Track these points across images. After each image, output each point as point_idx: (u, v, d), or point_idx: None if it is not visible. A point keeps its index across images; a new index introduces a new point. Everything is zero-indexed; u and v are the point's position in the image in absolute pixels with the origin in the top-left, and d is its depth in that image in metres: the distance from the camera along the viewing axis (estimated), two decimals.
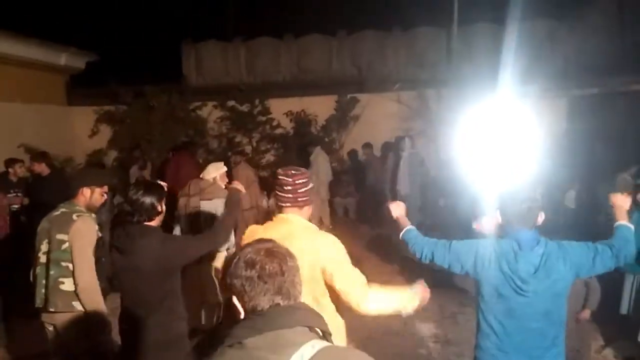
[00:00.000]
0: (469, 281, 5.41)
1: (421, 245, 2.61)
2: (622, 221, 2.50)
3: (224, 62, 12.06)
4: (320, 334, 1.32)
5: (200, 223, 4.63)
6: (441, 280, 5.79)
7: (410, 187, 7.99)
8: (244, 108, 10.58)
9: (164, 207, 2.81)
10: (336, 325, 2.30)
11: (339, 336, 2.31)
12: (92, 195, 3.19)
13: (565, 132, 9.14)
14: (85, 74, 11.39)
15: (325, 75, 11.60)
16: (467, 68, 9.70)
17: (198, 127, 10.57)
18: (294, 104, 10.59)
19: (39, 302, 3.10)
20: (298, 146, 9.97)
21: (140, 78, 10.62)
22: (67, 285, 3.03)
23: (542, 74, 8.58)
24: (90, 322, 3.00)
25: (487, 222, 2.84)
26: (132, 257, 2.64)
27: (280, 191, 2.35)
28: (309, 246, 2.21)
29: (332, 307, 2.33)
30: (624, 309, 4.29)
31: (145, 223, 2.73)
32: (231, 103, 10.63)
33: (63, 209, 3.14)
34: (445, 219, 7.96)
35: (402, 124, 10.08)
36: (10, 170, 6.38)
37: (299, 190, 2.33)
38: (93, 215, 3.19)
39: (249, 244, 1.41)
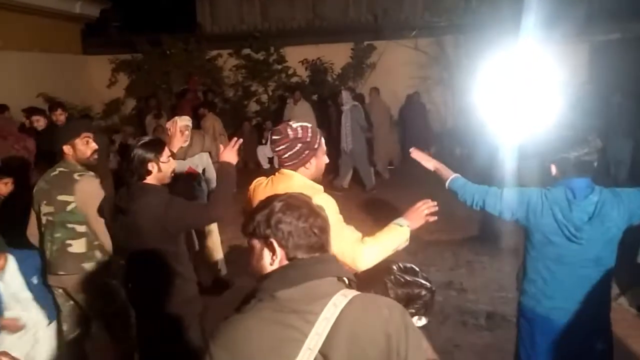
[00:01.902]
0: (489, 229, 5.45)
1: (471, 192, 2.56)
2: None
3: (238, 8, 11.73)
4: (347, 282, 1.33)
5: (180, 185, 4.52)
6: (457, 229, 5.86)
7: (354, 142, 7.53)
8: (260, 56, 10.37)
9: (161, 166, 2.58)
10: None
11: None
12: (75, 149, 2.96)
13: (587, 80, 8.83)
14: (99, 23, 11.18)
15: (341, 22, 11.24)
16: (485, 13, 9.30)
17: (214, 76, 10.41)
18: (310, 51, 10.34)
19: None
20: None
21: (154, 26, 10.42)
22: (76, 247, 2.93)
23: (564, 18, 8.19)
24: (102, 283, 2.95)
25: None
26: (133, 216, 2.50)
27: (274, 152, 2.28)
28: None
29: None
30: None
31: (146, 182, 2.56)
32: (246, 51, 10.41)
33: (61, 169, 2.97)
34: (461, 167, 7.87)
35: (419, 72, 9.84)
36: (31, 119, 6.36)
37: (283, 156, 2.20)
38: (92, 173, 3.01)
39: (292, 195, 1.36)
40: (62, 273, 2.96)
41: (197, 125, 5.61)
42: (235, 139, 2.75)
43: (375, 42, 10.11)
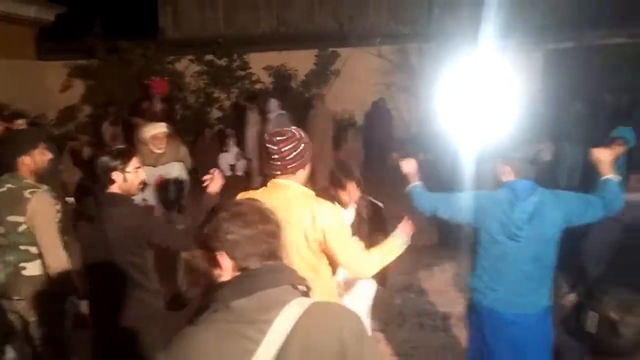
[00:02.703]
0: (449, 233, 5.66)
1: (424, 200, 2.81)
2: (609, 175, 2.53)
3: (201, 14, 11.79)
4: (305, 289, 1.34)
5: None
6: (418, 234, 6.04)
7: None
8: (222, 62, 10.43)
9: (126, 176, 2.54)
10: (330, 287, 2.35)
11: (333, 297, 2.36)
12: (34, 160, 2.87)
13: (540, 87, 9.25)
14: (55, 27, 11.03)
15: (305, 29, 11.43)
16: (447, 22, 9.66)
17: (175, 82, 10.41)
18: (274, 58, 10.45)
19: None
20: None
21: (114, 31, 10.34)
22: (30, 270, 2.84)
23: (520, 28, 8.58)
24: (55, 307, 2.89)
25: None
26: (101, 225, 2.46)
27: (267, 159, 2.25)
28: (307, 213, 2.18)
29: (328, 270, 2.33)
30: None
31: (113, 191, 2.55)
32: (209, 57, 10.45)
33: (9, 185, 2.82)
34: (425, 172, 8.08)
35: (383, 79, 10.08)
36: None
37: (287, 158, 2.20)
38: (45, 187, 2.91)
39: (239, 202, 1.36)
40: (16, 298, 2.86)
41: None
42: (217, 170, 2.74)
43: (340, 49, 10.31)
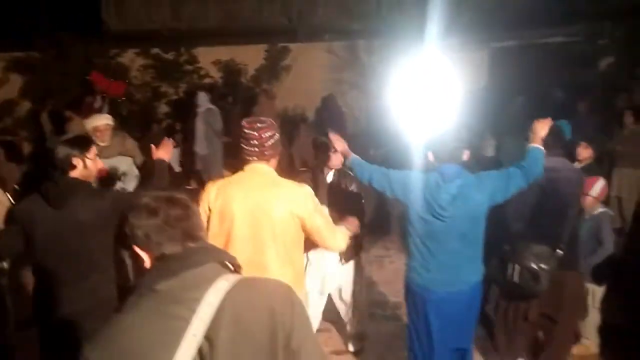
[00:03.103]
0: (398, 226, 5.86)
1: (363, 170, 3.02)
2: (535, 144, 2.83)
3: (146, 6, 11.52)
4: (232, 268, 1.36)
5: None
6: (368, 227, 6.19)
7: (209, 146, 7.35)
8: (169, 56, 10.26)
9: (87, 163, 2.60)
10: (301, 268, 2.56)
11: (302, 279, 2.56)
12: None
13: (485, 85, 9.64)
14: None
15: (255, 24, 11.38)
16: (396, 19, 9.87)
17: (119, 76, 10.15)
18: (223, 53, 10.38)
19: None
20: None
21: (53, 22, 9.97)
22: None
23: (466, 26, 8.91)
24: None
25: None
26: (69, 211, 2.49)
27: (246, 144, 2.34)
28: (287, 197, 2.35)
29: (300, 252, 2.50)
30: None
31: (72, 176, 2.57)
32: (155, 50, 10.26)
33: None
34: None
35: (333, 75, 10.20)
36: None
37: (266, 144, 2.33)
38: None
39: (145, 195, 1.37)
40: None
41: None
42: (169, 138, 2.94)
43: (290, 45, 10.36)
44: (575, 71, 8.57)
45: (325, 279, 3.58)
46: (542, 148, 2.86)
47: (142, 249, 1.30)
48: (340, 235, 2.52)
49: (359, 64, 10.21)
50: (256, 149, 2.34)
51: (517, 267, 2.96)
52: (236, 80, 10.28)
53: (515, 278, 2.96)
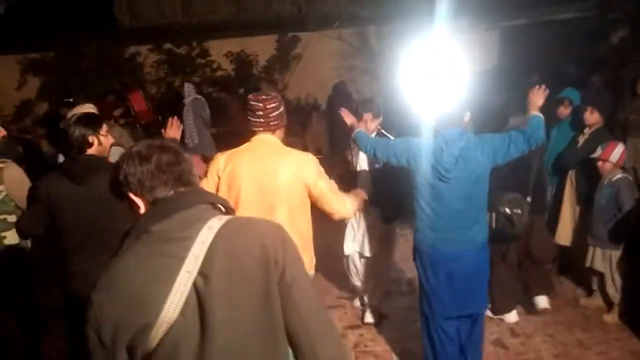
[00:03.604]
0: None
1: (366, 142, 3.18)
2: (534, 112, 2.99)
3: (158, 2, 11.72)
4: (224, 210, 1.40)
5: None
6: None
7: (199, 137, 7.22)
8: (182, 51, 10.43)
9: (101, 139, 2.74)
10: (308, 235, 2.65)
11: (308, 246, 2.66)
12: None
13: (497, 63, 9.62)
14: (5, 20, 10.80)
15: (265, 15, 11.50)
16: (405, 3, 9.88)
17: (133, 73, 10.37)
18: (234, 45, 10.50)
19: None
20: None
21: (68, 22, 10.20)
22: (10, 238, 3.01)
23: (474, 6, 8.91)
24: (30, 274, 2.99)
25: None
26: (92, 187, 2.57)
27: (252, 116, 2.50)
28: (292, 163, 2.50)
29: (307, 218, 2.62)
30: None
31: (89, 153, 2.68)
32: (167, 46, 10.44)
33: None
34: None
35: (344, 62, 10.28)
36: None
37: (271, 115, 2.48)
38: (9, 160, 3.09)
39: (136, 144, 1.42)
40: None
41: None
42: (175, 117, 3.08)
43: (300, 34, 10.45)
44: (588, 46, 8.51)
45: (365, 242, 3.85)
46: (541, 115, 2.98)
47: (136, 195, 1.35)
48: (346, 201, 2.63)
49: (369, 50, 10.26)
50: (262, 120, 2.49)
51: (493, 214, 3.20)
52: (248, 71, 10.40)
53: (492, 224, 3.20)
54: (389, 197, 3.70)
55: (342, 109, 3.48)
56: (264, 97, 2.51)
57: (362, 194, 2.93)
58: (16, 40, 10.62)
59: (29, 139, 8.23)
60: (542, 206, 3.92)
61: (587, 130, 4.24)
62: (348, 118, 3.41)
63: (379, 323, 4.04)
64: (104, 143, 2.76)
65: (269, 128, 2.52)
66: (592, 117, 4.14)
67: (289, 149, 2.59)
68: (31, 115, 10.45)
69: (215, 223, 1.29)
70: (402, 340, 3.79)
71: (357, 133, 3.27)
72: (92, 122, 2.74)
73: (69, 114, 3.87)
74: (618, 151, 3.82)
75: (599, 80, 6.66)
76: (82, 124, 2.69)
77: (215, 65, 10.49)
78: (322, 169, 2.59)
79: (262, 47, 10.43)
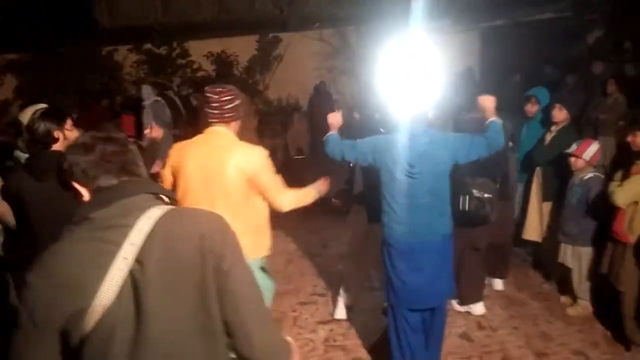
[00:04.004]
0: None
1: (334, 146, 3.27)
2: (492, 118, 3.10)
3: (138, 2, 11.71)
4: (168, 201, 1.42)
5: None
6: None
7: (161, 140, 7.29)
8: (162, 51, 10.44)
9: (67, 134, 2.74)
10: (256, 222, 2.72)
11: (267, 227, 2.78)
12: None
13: (478, 64, 9.77)
14: None
15: (246, 16, 11.55)
16: (384, 4, 10.00)
17: (113, 73, 10.36)
18: (215, 45, 10.53)
19: None
20: None
21: (46, 23, 10.17)
22: None
23: (454, 7, 9.04)
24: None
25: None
26: (55, 183, 2.65)
27: (208, 108, 2.58)
28: (238, 156, 2.56)
29: (254, 207, 2.69)
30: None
31: (54, 149, 2.68)
32: (147, 46, 10.45)
33: None
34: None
35: (325, 63, 10.38)
36: None
37: (225, 107, 2.56)
38: None
39: (82, 135, 1.44)
40: None
41: None
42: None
43: (281, 35, 10.51)
44: (566, 46, 8.69)
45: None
46: (500, 121, 3.10)
47: (80, 184, 1.36)
48: (285, 197, 2.69)
49: (349, 50, 10.36)
50: (216, 112, 2.57)
51: (466, 197, 3.41)
52: (228, 72, 10.44)
53: (465, 206, 3.41)
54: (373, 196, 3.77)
55: (334, 110, 3.54)
56: (219, 89, 2.59)
57: (325, 183, 2.98)
58: None
59: (6, 141, 8.19)
60: (508, 193, 4.08)
61: (554, 128, 4.35)
62: (333, 118, 3.43)
63: (349, 318, 4.11)
64: (70, 137, 2.73)
65: (223, 120, 2.59)
66: (561, 115, 4.25)
67: (239, 142, 2.65)
68: (8, 116, 10.41)
69: (155, 212, 1.32)
70: (371, 334, 3.85)
71: (328, 137, 3.35)
72: (56, 117, 2.74)
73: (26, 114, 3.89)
74: (592, 149, 3.88)
75: (572, 80, 6.82)
76: (47, 119, 2.69)
77: (195, 66, 10.52)
78: (268, 164, 2.65)
79: (243, 48, 10.47)
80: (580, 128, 5.52)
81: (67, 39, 10.06)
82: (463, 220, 3.26)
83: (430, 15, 8.04)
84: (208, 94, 2.59)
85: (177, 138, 7.40)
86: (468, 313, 4.06)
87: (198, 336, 1.33)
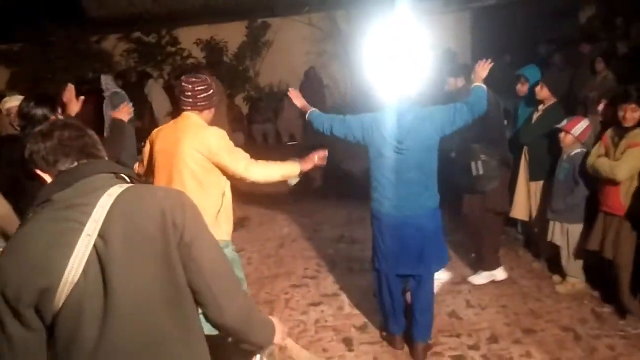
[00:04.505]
0: None
1: (322, 121, 3.28)
2: (477, 83, 3.21)
3: None
4: (128, 180, 1.46)
5: None
6: (350, 190, 6.39)
7: None
8: (151, 39, 10.38)
9: (59, 117, 2.87)
10: (222, 204, 2.78)
11: (226, 213, 2.80)
12: None
13: (470, 44, 9.73)
14: None
15: (234, 1, 11.44)
16: None
17: (103, 62, 10.30)
18: (204, 32, 10.50)
19: None
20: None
21: (35, 13, 10.09)
22: None
23: None
24: None
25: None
26: None
27: (182, 96, 2.74)
28: (199, 136, 2.69)
29: (215, 182, 2.76)
30: None
31: None
32: (136, 35, 10.38)
33: None
34: None
35: (315, 48, 10.32)
36: None
37: (199, 96, 2.72)
38: None
39: (42, 125, 1.49)
40: None
41: None
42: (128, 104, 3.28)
43: (270, 20, 10.45)
44: (557, 25, 8.65)
45: None
46: (484, 86, 3.16)
47: (43, 171, 1.41)
48: (255, 168, 2.74)
49: (339, 34, 10.30)
50: (190, 100, 2.73)
51: (478, 162, 3.75)
52: (218, 59, 10.39)
53: (479, 171, 3.75)
54: None
55: (290, 89, 3.53)
56: (193, 79, 2.74)
57: (310, 160, 2.99)
58: None
59: None
60: (508, 159, 4.18)
61: (541, 107, 4.34)
62: (298, 100, 3.47)
63: (339, 300, 4.15)
64: None
65: (196, 108, 2.75)
66: (542, 93, 4.23)
67: (200, 125, 2.75)
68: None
69: (115, 190, 1.35)
70: (361, 315, 3.89)
71: (311, 114, 3.37)
72: (50, 102, 2.91)
73: (5, 105, 3.86)
74: (582, 125, 3.90)
75: (560, 59, 6.80)
76: (42, 105, 2.85)
77: (185, 54, 10.48)
78: (226, 142, 2.72)
79: (232, 34, 10.43)
80: (571, 107, 5.51)
81: (56, 28, 10.00)
82: (478, 186, 3.54)
83: None
84: (183, 84, 2.73)
85: (140, 130, 7.49)
86: (458, 292, 4.09)
87: (166, 307, 1.36)
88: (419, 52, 6.46)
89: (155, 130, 2.90)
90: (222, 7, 11.23)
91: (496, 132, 4.04)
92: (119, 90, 6.96)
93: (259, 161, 2.80)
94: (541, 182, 4.28)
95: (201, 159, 2.67)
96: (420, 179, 3.06)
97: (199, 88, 2.72)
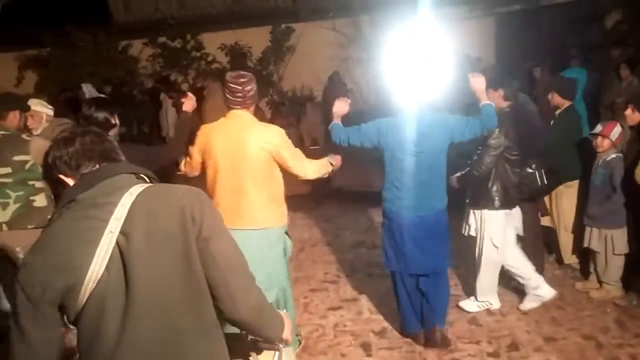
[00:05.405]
0: None
1: (339, 132, 3.46)
2: (484, 101, 3.31)
3: None
4: (148, 180, 1.52)
5: None
6: (371, 199, 6.41)
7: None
8: (176, 44, 10.57)
9: (117, 119, 3.08)
10: (277, 192, 3.06)
11: (277, 200, 3.07)
12: (21, 119, 3.59)
13: (495, 49, 9.68)
14: (1, 18, 10.96)
15: (259, 7, 11.61)
16: None
17: (129, 67, 10.54)
18: (227, 37, 10.63)
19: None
20: None
21: (63, 18, 10.38)
22: (39, 201, 3.45)
23: None
24: None
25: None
26: None
27: (231, 96, 2.91)
28: (261, 134, 2.93)
29: (275, 179, 3.03)
30: None
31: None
32: (162, 39, 10.59)
33: (2, 132, 3.44)
34: None
35: (339, 53, 10.39)
36: None
37: (248, 95, 2.91)
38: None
39: (62, 131, 1.57)
40: (30, 227, 3.39)
41: None
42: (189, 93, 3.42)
43: (294, 25, 10.56)
44: (582, 30, 8.56)
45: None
46: (492, 103, 3.31)
47: (66, 175, 1.46)
48: (307, 167, 3.05)
49: (363, 40, 10.34)
50: (239, 99, 2.91)
51: (542, 171, 3.88)
52: (242, 63, 10.52)
53: (544, 180, 3.90)
54: None
55: (341, 98, 3.62)
56: (241, 80, 2.89)
57: (338, 158, 3.26)
58: (13, 37, 10.81)
59: None
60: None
61: (557, 112, 4.38)
62: (338, 106, 3.53)
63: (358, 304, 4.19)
64: (117, 124, 3.11)
65: (245, 105, 2.95)
66: (554, 99, 4.36)
67: (258, 122, 2.99)
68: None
69: (136, 189, 1.42)
70: (380, 320, 3.91)
71: (332, 125, 3.52)
72: (109, 105, 3.10)
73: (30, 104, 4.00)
74: (617, 130, 3.92)
75: (577, 64, 6.75)
76: (102, 108, 3.03)
77: (209, 58, 10.64)
78: (286, 140, 2.98)
79: (256, 39, 10.55)
80: (598, 113, 5.50)
81: (83, 32, 10.27)
82: (538, 192, 3.76)
83: (447, 1, 8.03)
84: (231, 85, 2.89)
85: (123, 137, 7.59)
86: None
87: (185, 302, 1.42)
88: (441, 57, 6.50)
89: (204, 129, 3.04)
90: (246, 12, 11.41)
91: (541, 140, 4.21)
92: (102, 96, 6.98)
93: (309, 160, 3.06)
94: (561, 188, 4.28)
95: (267, 154, 2.90)
96: (431, 180, 3.24)
97: (248, 87, 2.89)
